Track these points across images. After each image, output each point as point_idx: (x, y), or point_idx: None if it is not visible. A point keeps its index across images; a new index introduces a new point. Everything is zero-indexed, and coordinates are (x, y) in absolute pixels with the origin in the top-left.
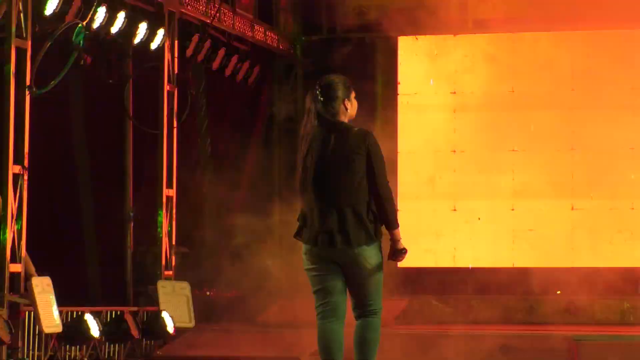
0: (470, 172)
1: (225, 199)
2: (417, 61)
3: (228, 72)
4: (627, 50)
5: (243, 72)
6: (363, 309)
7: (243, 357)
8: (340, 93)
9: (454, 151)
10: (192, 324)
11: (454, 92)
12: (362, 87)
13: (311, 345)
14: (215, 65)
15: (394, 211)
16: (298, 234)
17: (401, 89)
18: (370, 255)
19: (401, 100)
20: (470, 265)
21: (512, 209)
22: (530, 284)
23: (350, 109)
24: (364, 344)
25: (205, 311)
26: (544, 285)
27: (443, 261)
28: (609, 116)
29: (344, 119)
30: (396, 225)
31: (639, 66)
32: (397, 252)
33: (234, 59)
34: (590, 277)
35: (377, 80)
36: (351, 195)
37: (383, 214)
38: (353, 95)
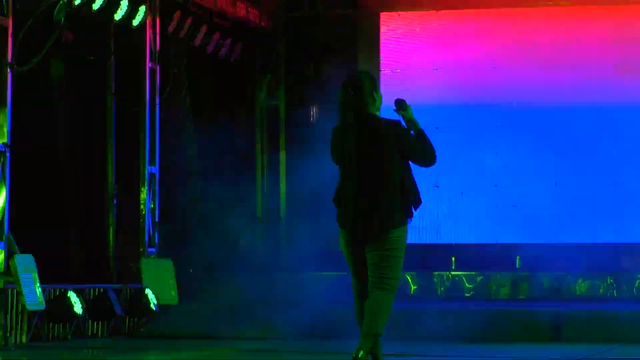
0: (453, 148)
1: (209, 176)
2: (399, 37)
3: (210, 49)
4: (609, 26)
5: (225, 49)
6: (382, 284)
7: (227, 334)
8: (368, 87)
9: (437, 127)
10: (176, 301)
11: (437, 69)
12: (345, 63)
13: (297, 323)
14: (197, 42)
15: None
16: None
17: (384, 64)
18: (400, 236)
19: (384, 76)
20: (453, 242)
21: (495, 185)
22: (513, 260)
23: (377, 100)
24: (376, 313)
25: (190, 288)
26: (527, 261)
27: (426, 237)
28: (593, 92)
29: (373, 110)
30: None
31: (625, 42)
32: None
33: (216, 35)
34: (573, 253)
35: (359, 56)
36: (384, 181)
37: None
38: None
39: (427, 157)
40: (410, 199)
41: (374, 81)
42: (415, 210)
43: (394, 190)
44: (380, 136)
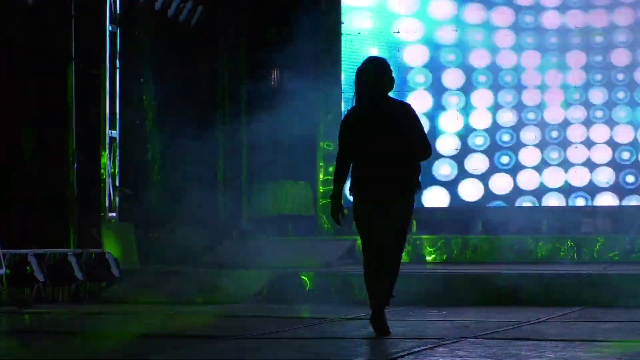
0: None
1: (170, 142)
2: (360, 1)
3: (171, 12)
4: None
5: (186, 12)
6: (399, 250)
7: (186, 298)
8: (384, 71)
9: (399, 91)
10: (137, 266)
11: (398, 32)
12: (306, 26)
13: (255, 286)
14: (157, 5)
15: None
16: (351, 193)
17: (344, 28)
18: (411, 205)
19: (345, 39)
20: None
21: (456, 149)
22: (474, 223)
23: (391, 84)
24: (395, 277)
25: (151, 253)
26: (489, 224)
27: None
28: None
29: (388, 92)
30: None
31: None
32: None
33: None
34: (533, 216)
35: (320, 20)
36: (399, 157)
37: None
38: (391, 72)
39: (423, 154)
40: (418, 172)
41: (388, 65)
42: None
43: (408, 162)
44: (396, 117)
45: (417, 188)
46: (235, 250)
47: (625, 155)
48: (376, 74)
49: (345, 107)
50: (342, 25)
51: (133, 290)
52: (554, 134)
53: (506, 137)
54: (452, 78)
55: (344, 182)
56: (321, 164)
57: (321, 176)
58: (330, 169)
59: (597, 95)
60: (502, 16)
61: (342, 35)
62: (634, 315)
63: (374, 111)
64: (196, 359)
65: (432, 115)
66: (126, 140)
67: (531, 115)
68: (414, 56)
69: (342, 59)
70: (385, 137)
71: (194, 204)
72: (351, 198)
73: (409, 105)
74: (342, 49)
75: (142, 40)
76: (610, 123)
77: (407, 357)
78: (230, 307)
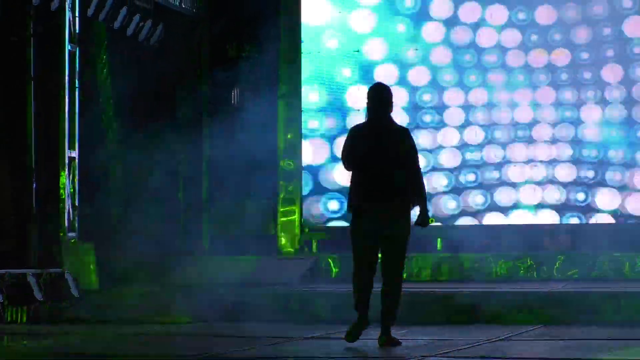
0: None
1: (130, 161)
2: (320, 18)
3: (130, 31)
4: None
5: (146, 31)
6: (398, 270)
7: (148, 319)
8: (390, 97)
9: (359, 109)
10: (97, 286)
11: (357, 51)
12: (267, 44)
13: (220, 306)
14: (116, 24)
15: (424, 188)
16: (350, 208)
17: (304, 46)
18: (409, 222)
19: (305, 58)
20: None
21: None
22: (434, 242)
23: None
24: (397, 298)
25: (110, 272)
26: (449, 243)
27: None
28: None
29: (389, 115)
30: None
31: None
32: (427, 218)
33: (136, 17)
34: (493, 234)
35: (281, 38)
36: (398, 176)
37: (419, 189)
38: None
39: (414, 175)
40: (418, 190)
41: (391, 91)
42: (425, 198)
43: (405, 183)
44: (396, 140)
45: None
46: (195, 269)
47: (590, 174)
48: (383, 98)
49: (305, 125)
50: (302, 43)
51: (92, 311)
52: (516, 151)
53: (469, 155)
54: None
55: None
56: (281, 182)
57: (282, 195)
58: (290, 188)
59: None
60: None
61: (302, 54)
62: (594, 332)
63: (379, 132)
64: None
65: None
66: (86, 159)
67: (498, 134)
68: (381, 74)
69: (303, 77)
70: (387, 156)
71: (155, 223)
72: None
73: (408, 129)
74: (303, 67)
75: (102, 60)
76: (576, 142)
77: None
78: (189, 327)
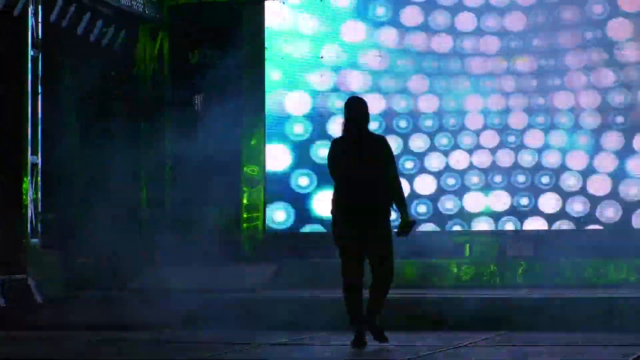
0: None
1: (93, 168)
2: (284, 25)
3: (93, 37)
4: None
5: (108, 36)
6: (385, 267)
7: (110, 325)
8: (366, 109)
9: (322, 115)
10: (60, 292)
11: (322, 57)
12: (231, 51)
13: (182, 312)
14: (80, 29)
15: (404, 196)
16: (333, 212)
17: (268, 53)
18: (388, 227)
19: (268, 64)
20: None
21: None
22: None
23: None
24: (384, 296)
25: (74, 279)
26: (410, 249)
27: (315, 225)
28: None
29: (367, 126)
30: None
31: None
32: (410, 225)
33: (99, 23)
34: (457, 240)
35: (245, 44)
36: (378, 184)
37: (398, 196)
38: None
39: (393, 182)
40: (397, 198)
41: (367, 103)
42: (405, 205)
43: (386, 190)
44: (375, 149)
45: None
46: (157, 274)
47: (545, 179)
48: (362, 111)
49: (267, 131)
50: (266, 49)
51: (55, 317)
52: (477, 159)
53: (435, 162)
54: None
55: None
56: (245, 189)
57: (245, 201)
58: (253, 194)
59: (518, 120)
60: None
61: (266, 59)
62: (556, 339)
63: (358, 142)
64: None
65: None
66: (48, 165)
67: (467, 140)
68: (352, 83)
69: (266, 83)
70: (366, 165)
71: (118, 229)
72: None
73: (385, 138)
74: (266, 73)
75: (65, 65)
76: (536, 148)
77: None
78: (151, 333)
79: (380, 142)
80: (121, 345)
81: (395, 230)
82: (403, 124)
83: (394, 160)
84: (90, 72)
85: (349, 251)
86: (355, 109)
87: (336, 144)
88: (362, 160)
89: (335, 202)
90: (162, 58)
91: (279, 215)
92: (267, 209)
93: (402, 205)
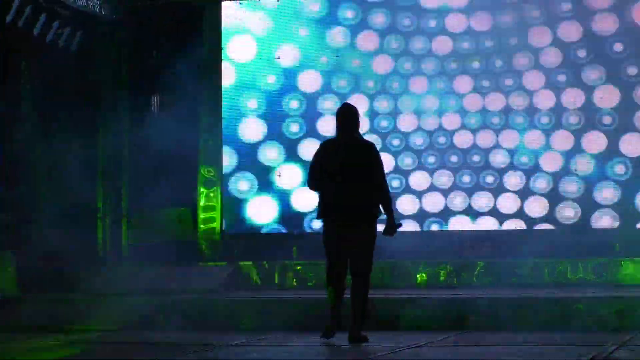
0: (296, 138)
1: (51, 171)
2: (241, 26)
3: (49, 37)
4: None
5: (65, 37)
6: (365, 268)
7: (66, 325)
8: (357, 116)
9: (282, 116)
10: (16, 293)
11: (279, 58)
12: (187, 53)
13: (140, 314)
14: (36, 30)
15: (390, 199)
16: (320, 216)
17: (225, 54)
18: (373, 228)
19: (225, 66)
20: (295, 231)
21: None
22: None
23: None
24: (366, 294)
25: (30, 280)
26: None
27: (267, 227)
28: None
29: (357, 133)
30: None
31: None
32: (395, 227)
33: (55, 24)
34: (414, 240)
35: (202, 46)
36: (364, 188)
37: (385, 199)
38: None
39: (380, 186)
40: (384, 201)
41: (357, 111)
42: (391, 208)
43: (371, 194)
44: (362, 154)
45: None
46: (114, 275)
47: (497, 179)
48: (351, 117)
49: (225, 133)
50: (223, 50)
51: (11, 318)
52: (432, 159)
53: (392, 161)
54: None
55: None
56: (202, 189)
57: (202, 202)
58: (211, 194)
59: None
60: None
61: (223, 60)
62: (513, 338)
63: (348, 147)
64: None
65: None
66: (6, 169)
67: (419, 141)
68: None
69: (223, 84)
70: (355, 169)
71: (75, 230)
72: (319, 222)
73: (374, 144)
74: (223, 74)
75: (22, 67)
76: (493, 147)
77: None
78: (110, 335)
79: (368, 148)
80: (76, 347)
81: (380, 231)
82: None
83: (381, 165)
84: (47, 72)
85: (334, 253)
86: (345, 115)
87: (324, 147)
88: (349, 164)
89: (322, 205)
90: (119, 59)
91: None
92: (226, 209)
93: (389, 208)
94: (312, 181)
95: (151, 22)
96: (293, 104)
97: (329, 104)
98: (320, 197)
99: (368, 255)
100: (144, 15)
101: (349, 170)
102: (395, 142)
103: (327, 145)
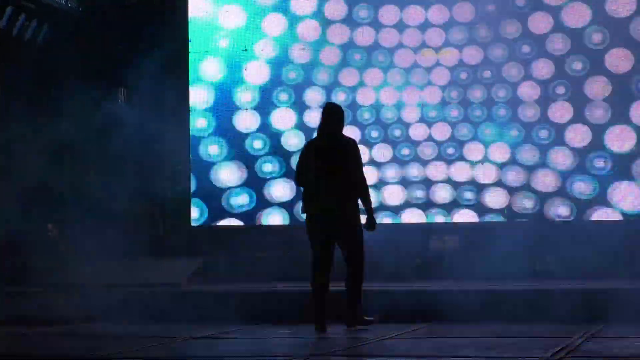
0: (267, 130)
1: (16, 161)
2: (207, 18)
3: (15, 31)
4: None
5: (31, 31)
6: (358, 256)
7: (34, 319)
8: (341, 115)
9: (247, 109)
10: None
11: (246, 50)
12: (153, 43)
13: (108, 306)
14: (2, 23)
15: (369, 194)
16: (305, 210)
17: (192, 46)
18: (357, 217)
19: (192, 57)
20: (266, 224)
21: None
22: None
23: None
24: (361, 280)
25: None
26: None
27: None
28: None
29: (341, 131)
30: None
31: None
32: (374, 222)
33: (22, 17)
34: (382, 233)
35: (167, 37)
36: (346, 183)
37: (364, 195)
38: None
39: (360, 183)
40: (363, 196)
41: (342, 110)
42: (370, 202)
43: (352, 189)
44: (344, 151)
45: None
46: (82, 269)
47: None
48: (335, 116)
49: (192, 125)
50: (190, 42)
51: None
52: (406, 151)
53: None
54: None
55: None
56: (170, 182)
57: (170, 195)
58: (179, 188)
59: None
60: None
61: (190, 53)
62: (482, 330)
63: (329, 144)
64: None
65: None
66: None
67: (393, 133)
68: (263, 75)
69: (190, 75)
70: (336, 166)
71: (39, 223)
72: (304, 216)
73: (355, 141)
74: (190, 66)
75: None
76: (470, 141)
77: None
78: (77, 327)
79: (350, 146)
80: (43, 339)
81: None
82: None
83: (361, 162)
84: (13, 66)
85: (319, 246)
86: (329, 114)
87: (310, 146)
88: (332, 161)
89: (306, 200)
90: (86, 51)
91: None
92: (194, 202)
93: (368, 203)
94: (299, 177)
95: (117, 14)
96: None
97: (284, 97)
98: (305, 193)
99: (356, 237)
100: (110, 7)
101: (330, 167)
102: (374, 134)
103: (311, 145)
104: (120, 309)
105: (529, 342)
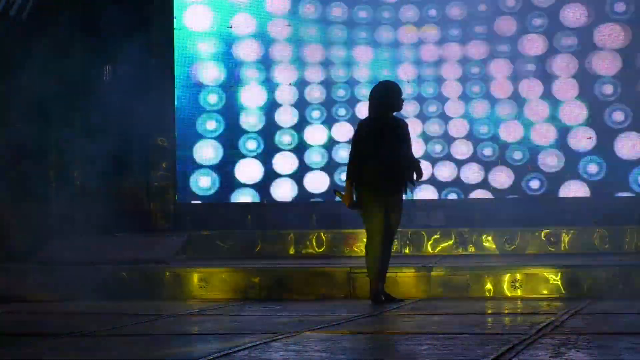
0: (254, 107)
1: (2, 141)
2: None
3: (0, 7)
4: None
5: (16, 6)
6: (393, 235)
7: (16, 296)
8: (395, 94)
9: (232, 86)
10: None
11: (231, 27)
12: (140, 20)
13: (93, 284)
14: None
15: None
16: (360, 184)
17: (177, 23)
18: (402, 196)
19: (178, 34)
20: (265, 200)
21: (289, 143)
22: (317, 218)
23: (398, 105)
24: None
25: None
26: (327, 219)
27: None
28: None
29: (393, 110)
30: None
31: None
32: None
33: None
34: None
35: (153, 15)
36: (401, 161)
37: (416, 170)
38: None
39: (409, 159)
40: (410, 172)
41: (398, 89)
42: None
43: (404, 166)
44: (398, 132)
45: (411, 185)
46: (67, 246)
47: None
48: (384, 94)
49: (178, 103)
50: (175, 20)
51: None
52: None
53: (339, 134)
54: (286, 74)
55: (356, 180)
56: (155, 159)
57: (155, 171)
58: (164, 164)
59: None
60: (337, 11)
61: (175, 29)
62: (467, 307)
63: (382, 124)
64: (32, 358)
65: (268, 110)
66: None
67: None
68: (249, 51)
69: (175, 54)
70: (390, 145)
71: (24, 201)
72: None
73: (406, 122)
74: (175, 43)
75: None
76: (445, 118)
77: (241, 352)
78: (63, 305)
79: (401, 126)
80: (28, 317)
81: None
82: (317, 94)
83: (410, 142)
84: None
85: (375, 219)
86: (382, 92)
87: (363, 125)
88: (386, 139)
89: (362, 176)
90: (72, 28)
91: (194, 183)
92: (179, 179)
93: (419, 176)
94: (356, 155)
95: None
96: (253, 73)
97: (285, 73)
98: (363, 173)
99: (398, 221)
100: None
101: (387, 148)
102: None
103: (365, 124)
104: (106, 286)
105: (513, 318)
